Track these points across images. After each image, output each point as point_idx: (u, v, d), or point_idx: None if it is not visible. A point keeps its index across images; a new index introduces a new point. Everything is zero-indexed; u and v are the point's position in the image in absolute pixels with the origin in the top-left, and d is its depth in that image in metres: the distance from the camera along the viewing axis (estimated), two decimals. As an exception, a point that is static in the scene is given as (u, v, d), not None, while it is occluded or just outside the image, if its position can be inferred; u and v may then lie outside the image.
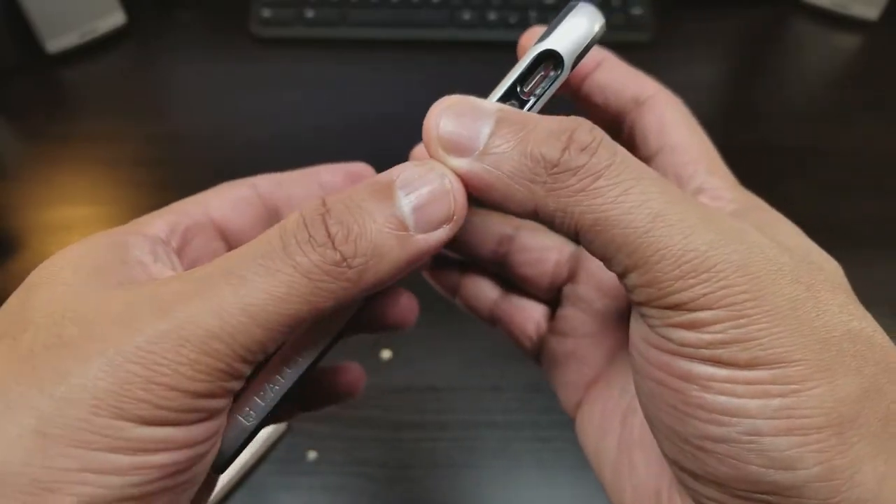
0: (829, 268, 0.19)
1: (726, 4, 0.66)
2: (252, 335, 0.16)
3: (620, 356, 0.24)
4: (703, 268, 0.16)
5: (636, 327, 0.18)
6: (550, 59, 0.20)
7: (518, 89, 0.20)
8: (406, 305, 0.27)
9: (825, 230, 0.51)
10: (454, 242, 0.27)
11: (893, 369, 0.17)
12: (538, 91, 0.20)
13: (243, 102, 0.59)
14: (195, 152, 0.56)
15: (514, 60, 0.21)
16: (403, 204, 0.18)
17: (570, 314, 0.26)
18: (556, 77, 0.20)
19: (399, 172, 0.18)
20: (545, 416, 0.44)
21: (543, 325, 0.27)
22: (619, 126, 0.25)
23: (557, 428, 0.43)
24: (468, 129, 0.18)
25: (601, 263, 0.25)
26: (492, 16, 0.62)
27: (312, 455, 0.42)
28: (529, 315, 0.27)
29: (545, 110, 0.20)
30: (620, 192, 0.17)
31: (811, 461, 0.15)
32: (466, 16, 0.62)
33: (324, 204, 0.18)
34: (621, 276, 0.17)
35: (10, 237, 0.51)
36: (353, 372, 0.27)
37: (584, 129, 0.17)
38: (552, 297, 0.27)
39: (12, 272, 0.49)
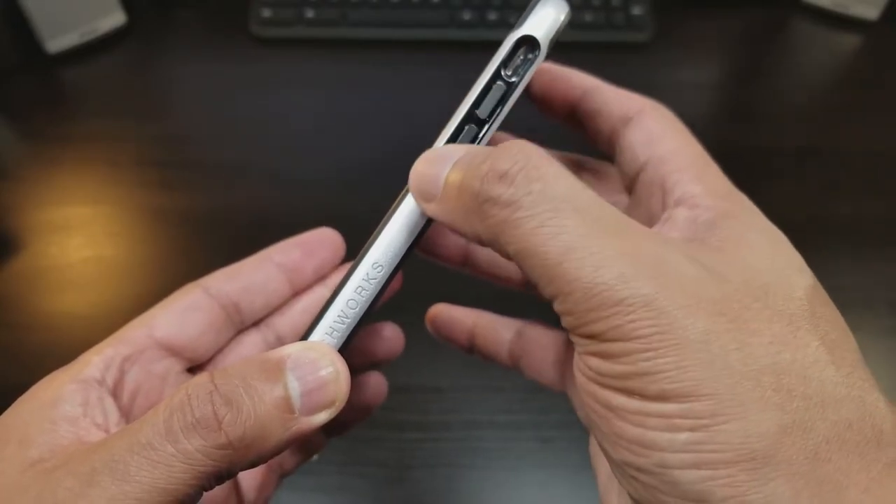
0: (783, 291, 0.17)
1: (726, 4, 0.66)
2: None
3: None
4: (613, 301, 0.16)
5: (575, 353, 0.18)
6: (527, 44, 0.22)
7: (502, 73, 0.22)
8: (390, 337, 0.28)
9: (824, 230, 0.51)
10: (486, 268, 0.28)
11: (830, 404, 0.16)
12: (520, 72, 0.22)
13: (243, 102, 0.59)
14: (195, 152, 0.56)
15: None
16: (293, 387, 0.18)
17: None
18: (534, 59, 0.21)
19: (290, 353, 0.19)
20: (546, 417, 0.44)
21: (564, 352, 0.27)
22: (613, 148, 0.25)
23: (558, 428, 0.43)
24: (431, 176, 0.19)
25: None
26: (492, 16, 0.62)
27: (313, 455, 0.42)
28: (551, 345, 0.28)
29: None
30: (536, 224, 0.17)
31: (721, 495, 0.15)
32: (466, 16, 0.62)
33: (212, 380, 0.18)
34: (551, 303, 0.18)
35: (10, 237, 0.51)
36: (377, 383, 0.28)
37: (505, 155, 0.18)
38: None
39: (12, 272, 0.49)
